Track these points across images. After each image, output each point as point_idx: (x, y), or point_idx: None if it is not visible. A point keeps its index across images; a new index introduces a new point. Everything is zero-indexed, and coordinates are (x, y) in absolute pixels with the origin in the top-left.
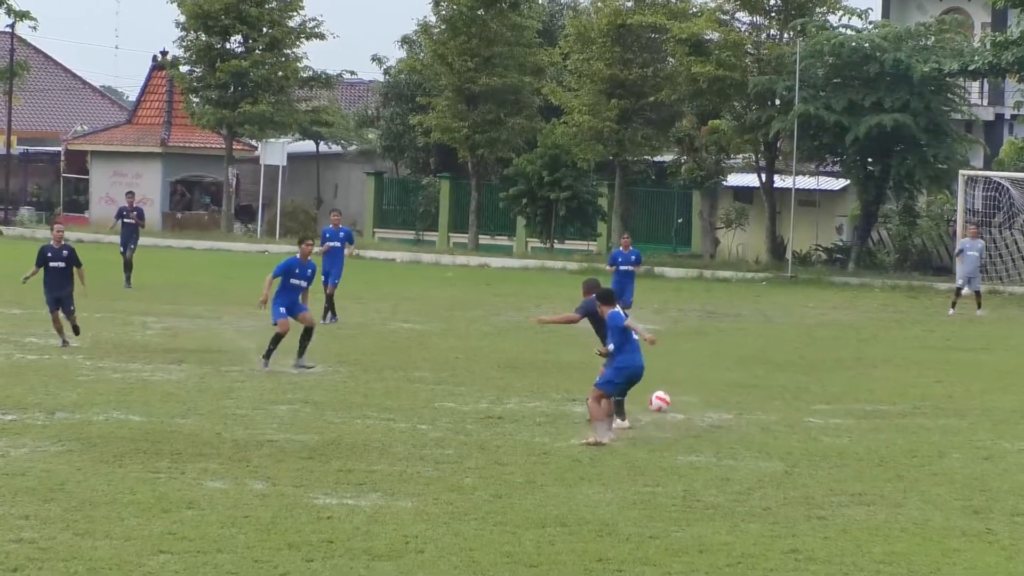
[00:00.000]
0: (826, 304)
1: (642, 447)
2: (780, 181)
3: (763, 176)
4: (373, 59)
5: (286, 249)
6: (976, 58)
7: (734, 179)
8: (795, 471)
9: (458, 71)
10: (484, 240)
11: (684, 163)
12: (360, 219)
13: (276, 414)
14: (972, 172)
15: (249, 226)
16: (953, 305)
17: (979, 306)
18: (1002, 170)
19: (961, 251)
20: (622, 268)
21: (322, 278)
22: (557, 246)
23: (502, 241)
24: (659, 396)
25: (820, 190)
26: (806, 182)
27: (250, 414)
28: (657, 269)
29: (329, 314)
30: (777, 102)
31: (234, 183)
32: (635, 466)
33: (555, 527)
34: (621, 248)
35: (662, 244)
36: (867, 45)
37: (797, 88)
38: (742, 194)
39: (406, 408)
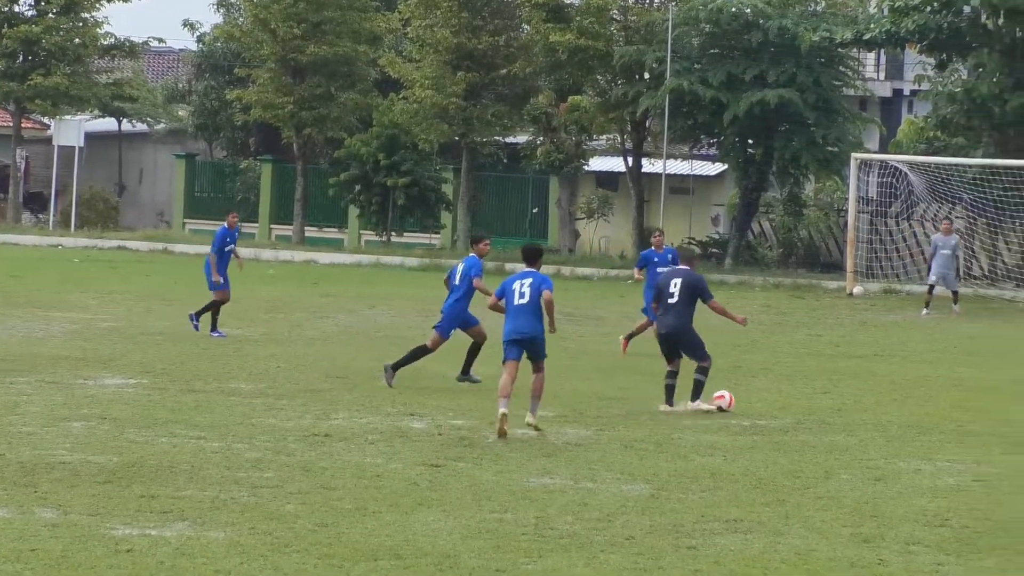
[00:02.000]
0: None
1: (489, 468)
2: (649, 165)
3: (630, 160)
4: (185, 25)
5: (83, 243)
6: (872, 26)
7: (597, 163)
8: (662, 495)
9: (282, 39)
10: (311, 232)
11: (540, 145)
12: (168, 208)
13: (69, 432)
14: (866, 155)
15: (40, 216)
16: (927, 305)
17: (955, 301)
18: (900, 153)
19: (935, 248)
20: (659, 271)
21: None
22: (395, 239)
23: (331, 233)
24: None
25: (694, 176)
26: (678, 167)
27: (39, 432)
28: (508, 265)
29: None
30: (646, 76)
31: (23, 167)
32: (481, 490)
33: (389, 560)
34: (653, 247)
35: (515, 236)
36: (748, 11)
37: (669, 60)
38: (606, 180)
39: (219, 425)
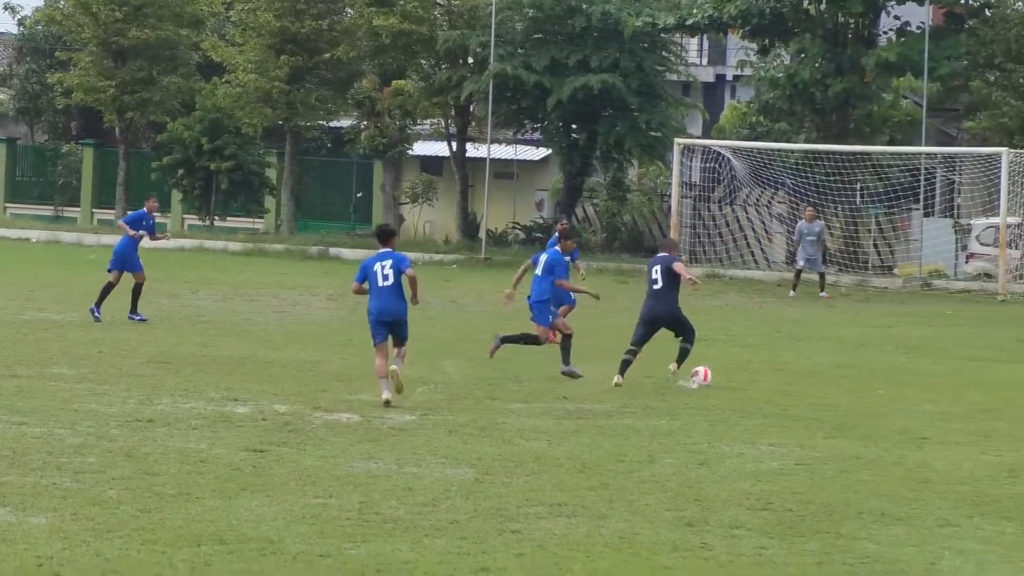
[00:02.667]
0: (523, 290)
1: (313, 453)
2: (473, 150)
3: (454, 144)
4: (5, 8)
5: None
6: (695, 11)
7: (421, 147)
8: (487, 479)
9: (104, 22)
10: None
11: (364, 129)
12: None
13: None
14: (689, 140)
15: None
16: (793, 288)
17: (822, 288)
18: (723, 138)
19: (800, 235)
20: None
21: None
22: (218, 223)
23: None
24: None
25: (518, 160)
26: (503, 151)
27: None
28: (333, 250)
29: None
30: (470, 60)
31: None
32: (304, 475)
33: (212, 545)
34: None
35: (339, 221)
36: None
37: (493, 45)
38: (430, 164)
39: (41, 410)
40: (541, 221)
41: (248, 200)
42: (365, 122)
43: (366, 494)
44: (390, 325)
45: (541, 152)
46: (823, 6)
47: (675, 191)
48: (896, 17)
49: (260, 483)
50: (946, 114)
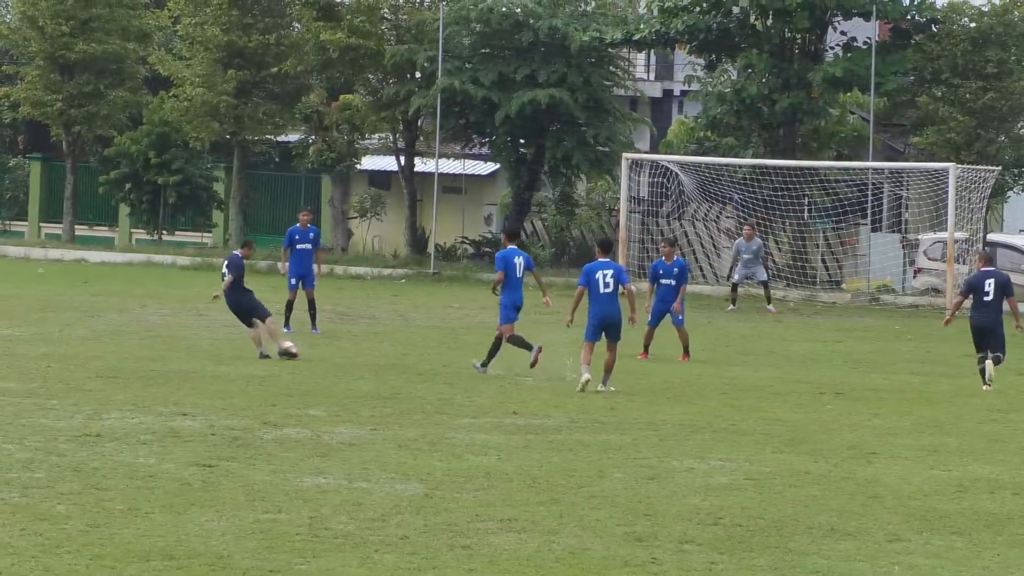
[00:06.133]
0: (473, 304)
1: (262, 468)
2: (422, 165)
3: (402, 159)
4: None
5: None
6: (642, 26)
7: (369, 162)
8: (437, 494)
9: (51, 36)
10: (81, 231)
11: (312, 143)
12: None
13: None
14: (637, 155)
15: None
16: (733, 302)
17: (768, 300)
18: (671, 153)
19: (737, 252)
20: (663, 282)
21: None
22: (166, 238)
23: (102, 232)
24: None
25: (467, 175)
26: (451, 166)
27: None
28: (281, 265)
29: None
30: (418, 75)
31: None
32: (254, 490)
33: (161, 560)
34: (663, 259)
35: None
36: (519, 11)
37: (441, 59)
38: (379, 179)
39: None
40: (490, 235)
41: (196, 214)
42: (313, 136)
43: (316, 509)
44: (606, 328)
45: (490, 167)
46: (770, 21)
47: (623, 206)
48: (843, 32)
49: (209, 498)
50: (893, 129)
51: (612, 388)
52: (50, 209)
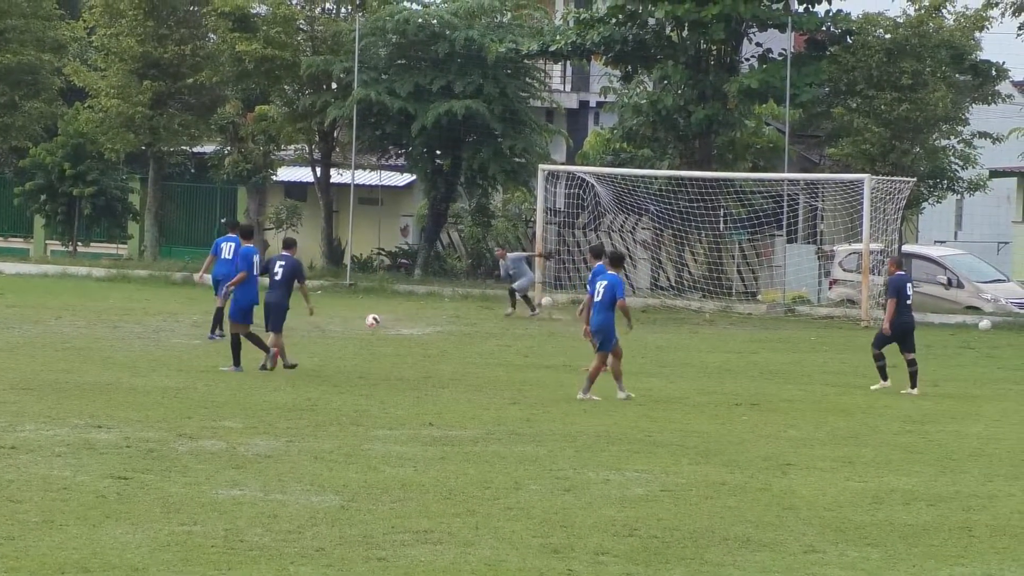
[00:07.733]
0: (389, 316)
1: (177, 480)
2: (338, 176)
3: (318, 170)
4: None
5: None
6: (558, 38)
7: (285, 173)
8: (352, 506)
9: None
10: None
11: (228, 154)
12: None
13: None
14: (553, 167)
15: None
16: (533, 309)
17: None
18: (587, 164)
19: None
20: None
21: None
22: (82, 249)
23: (17, 244)
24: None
25: (383, 186)
26: (367, 177)
27: None
28: (197, 276)
29: (218, 330)
30: (334, 86)
31: None
32: (169, 502)
33: (76, 573)
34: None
35: (202, 247)
36: (435, 22)
37: (356, 70)
38: (294, 190)
39: None
40: (406, 247)
41: (111, 226)
42: (229, 147)
43: (231, 521)
44: (594, 336)
45: (406, 178)
46: (685, 33)
47: (539, 217)
48: (758, 44)
49: (124, 510)
50: (808, 140)
51: (596, 397)
52: None
